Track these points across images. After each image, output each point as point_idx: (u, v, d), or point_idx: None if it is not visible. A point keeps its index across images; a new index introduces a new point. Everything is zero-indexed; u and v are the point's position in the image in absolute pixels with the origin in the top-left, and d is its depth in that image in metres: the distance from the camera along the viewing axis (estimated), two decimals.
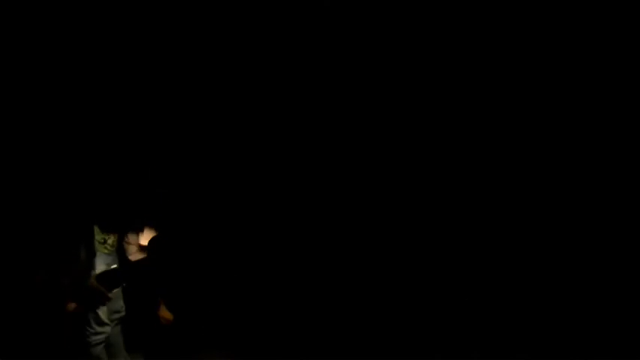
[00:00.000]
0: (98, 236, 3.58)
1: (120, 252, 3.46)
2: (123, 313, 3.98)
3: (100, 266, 3.38)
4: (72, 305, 3.24)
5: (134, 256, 3.32)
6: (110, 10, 2.82)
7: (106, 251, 3.77)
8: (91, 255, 2.90)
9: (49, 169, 2.79)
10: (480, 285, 2.99)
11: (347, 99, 3.06)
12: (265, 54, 2.98)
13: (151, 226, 3.16)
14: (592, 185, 2.92)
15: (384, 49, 3.01)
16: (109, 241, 3.78)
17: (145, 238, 3.22)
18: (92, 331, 3.79)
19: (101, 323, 3.85)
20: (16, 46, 2.74)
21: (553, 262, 2.94)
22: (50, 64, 2.79)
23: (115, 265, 3.51)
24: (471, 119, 3.02)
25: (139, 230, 3.26)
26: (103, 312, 3.85)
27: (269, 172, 3.05)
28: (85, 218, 2.83)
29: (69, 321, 3.24)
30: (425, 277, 3.02)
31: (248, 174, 3.07)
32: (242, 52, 2.98)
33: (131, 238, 3.33)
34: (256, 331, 2.96)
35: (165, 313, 3.35)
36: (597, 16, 2.82)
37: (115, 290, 3.51)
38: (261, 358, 2.92)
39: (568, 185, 2.95)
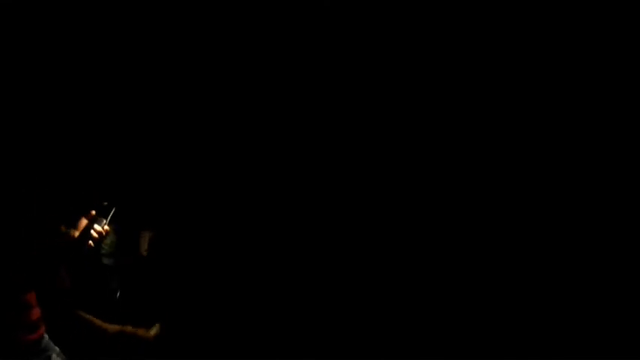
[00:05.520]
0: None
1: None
2: None
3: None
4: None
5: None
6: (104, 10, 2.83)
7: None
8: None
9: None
10: (480, 285, 2.99)
11: (347, 98, 3.06)
12: (265, 53, 2.99)
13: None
14: (592, 185, 2.93)
15: (383, 49, 3.01)
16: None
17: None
18: None
19: None
20: None
21: (553, 263, 2.94)
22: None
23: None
24: (470, 119, 3.03)
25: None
26: None
27: (271, 172, 3.05)
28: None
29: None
30: (425, 277, 3.02)
31: (246, 174, 3.07)
32: (242, 52, 2.98)
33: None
34: (256, 331, 2.95)
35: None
36: (598, 16, 2.82)
37: None
38: (261, 358, 2.91)
39: (568, 185, 2.96)
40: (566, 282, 2.92)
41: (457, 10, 2.89)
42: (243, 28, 2.95)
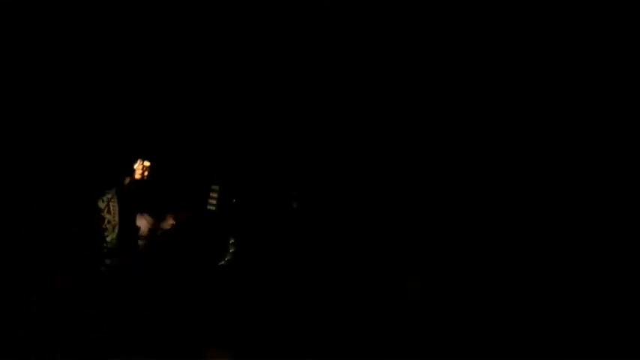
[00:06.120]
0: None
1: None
2: None
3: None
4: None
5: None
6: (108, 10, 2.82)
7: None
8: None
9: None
10: (480, 285, 2.99)
11: (347, 98, 3.06)
12: (265, 53, 2.99)
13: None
14: (592, 185, 2.93)
15: (383, 49, 3.01)
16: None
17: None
18: None
19: None
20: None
21: (553, 262, 2.94)
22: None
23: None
24: (470, 119, 3.03)
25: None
26: None
27: (270, 171, 3.06)
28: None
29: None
30: (425, 277, 3.02)
31: (247, 173, 3.08)
32: (242, 52, 2.98)
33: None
34: (257, 331, 2.96)
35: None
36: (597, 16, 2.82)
37: None
38: (261, 358, 2.92)
39: (568, 185, 2.96)
40: (566, 282, 2.93)
41: (457, 10, 2.88)
42: (243, 27, 2.95)
